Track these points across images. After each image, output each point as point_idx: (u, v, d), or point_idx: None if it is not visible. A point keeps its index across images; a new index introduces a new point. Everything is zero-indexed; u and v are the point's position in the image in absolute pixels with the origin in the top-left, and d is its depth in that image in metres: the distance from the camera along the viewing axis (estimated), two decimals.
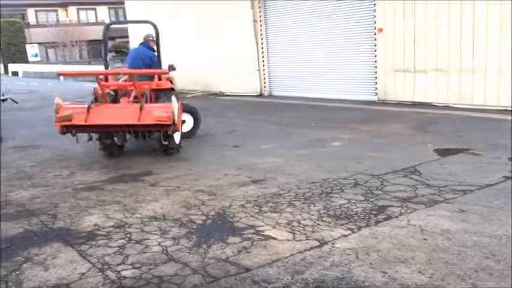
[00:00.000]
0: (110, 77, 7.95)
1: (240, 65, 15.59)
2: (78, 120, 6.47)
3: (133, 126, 6.55)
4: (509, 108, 9.79)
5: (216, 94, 16.88)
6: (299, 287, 3.29)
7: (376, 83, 12.33)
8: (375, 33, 12.02)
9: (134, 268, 3.64)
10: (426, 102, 11.23)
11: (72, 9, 44.38)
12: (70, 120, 6.46)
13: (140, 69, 8.13)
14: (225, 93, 16.60)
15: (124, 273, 3.57)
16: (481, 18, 9.97)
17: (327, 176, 6.04)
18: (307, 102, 13.19)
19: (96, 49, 41.48)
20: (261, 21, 15.00)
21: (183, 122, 8.41)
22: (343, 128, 9.33)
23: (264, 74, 15.42)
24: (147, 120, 6.41)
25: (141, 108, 6.46)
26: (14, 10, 41.52)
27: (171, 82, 8.07)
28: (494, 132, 8.23)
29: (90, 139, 7.08)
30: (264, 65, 15.32)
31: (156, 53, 8.54)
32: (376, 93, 12.33)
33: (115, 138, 7.46)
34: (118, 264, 3.71)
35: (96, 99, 7.00)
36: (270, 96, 15.41)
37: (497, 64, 9.91)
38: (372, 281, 3.33)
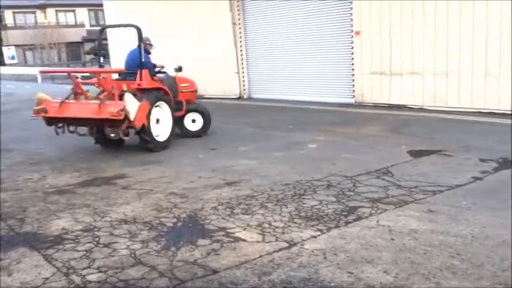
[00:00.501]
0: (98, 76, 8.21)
1: (219, 67, 15.55)
2: (51, 113, 7.52)
3: (92, 120, 7.46)
4: (483, 110, 9.98)
5: None
6: None
7: (353, 85, 12.45)
8: (352, 36, 12.14)
9: (100, 272, 3.59)
10: (402, 104, 11.38)
11: (50, 11, 43.80)
12: (46, 112, 7.56)
13: (102, 69, 9.04)
14: (205, 96, 16.50)
15: (89, 277, 3.52)
16: (454, 22, 10.15)
17: (301, 178, 6.06)
18: (286, 105, 13.24)
19: (75, 51, 41.05)
20: (240, 23, 15.02)
21: (193, 121, 9.24)
22: (320, 131, 9.38)
23: (243, 77, 15.43)
24: (102, 115, 7.18)
25: (100, 105, 7.23)
26: None
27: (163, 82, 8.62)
28: (467, 134, 8.37)
29: (73, 132, 7.96)
30: (243, 68, 15.33)
31: (149, 55, 8.77)
32: (354, 96, 12.45)
33: (109, 133, 8.12)
34: (84, 268, 3.66)
35: (75, 95, 7.86)
36: (250, 99, 15.42)
37: (471, 67, 10.10)
38: (338, 282, 3.35)
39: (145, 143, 7.84)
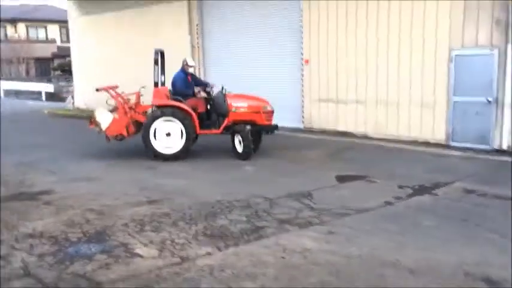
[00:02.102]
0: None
1: None
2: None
3: None
4: (419, 140, 10.42)
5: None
6: None
7: (303, 111, 12.81)
8: (302, 64, 12.57)
9: None
10: (347, 131, 11.76)
11: (21, 26, 43.45)
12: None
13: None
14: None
15: None
16: (393, 55, 10.66)
17: (223, 198, 6.25)
18: None
19: (44, 66, 40.70)
20: (198, 46, 15.34)
21: (240, 142, 9.01)
22: (263, 153, 9.61)
23: None
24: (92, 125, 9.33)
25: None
26: None
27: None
28: (397, 162, 8.74)
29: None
30: None
31: (186, 76, 9.48)
32: (303, 121, 12.80)
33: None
34: None
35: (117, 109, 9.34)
36: None
37: (408, 98, 10.58)
38: None
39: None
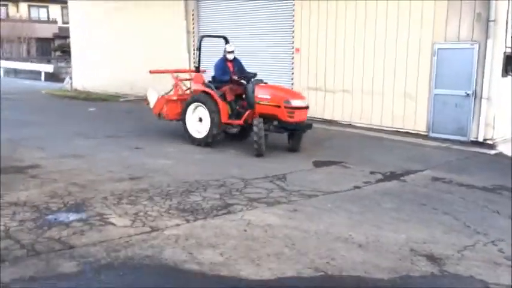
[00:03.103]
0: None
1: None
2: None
3: None
4: (401, 130, 10.74)
5: None
6: (108, 261, 3.80)
7: None
8: (293, 53, 12.84)
9: None
10: (334, 119, 12.08)
11: (23, 5, 43.52)
12: None
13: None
14: None
15: None
16: (380, 45, 10.93)
17: (202, 178, 6.59)
18: None
19: (45, 47, 40.88)
20: (193, 32, 15.60)
21: None
22: (248, 139, 9.90)
23: None
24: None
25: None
26: None
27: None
28: (375, 150, 9.06)
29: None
30: None
31: (225, 62, 9.14)
32: None
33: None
34: None
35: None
36: None
37: (392, 88, 10.88)
38: (173, 259, 3.90)
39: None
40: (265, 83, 8.83)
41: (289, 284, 3.67)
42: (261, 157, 8.09)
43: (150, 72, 10.11)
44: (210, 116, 8.70)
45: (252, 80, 8.78)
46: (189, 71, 11.03)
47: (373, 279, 3.78)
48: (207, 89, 8.90)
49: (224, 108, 8.69)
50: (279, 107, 8.22)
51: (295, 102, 8.32)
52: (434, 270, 3.99)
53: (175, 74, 9.99)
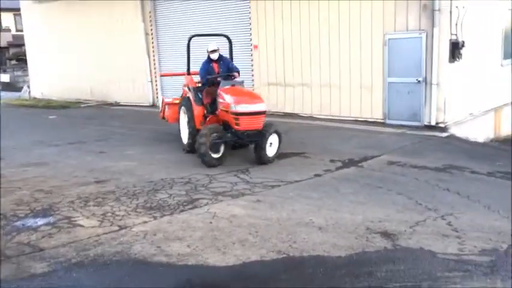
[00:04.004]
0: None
1: (134, 76, 16.09)
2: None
3: None
4: (359, 119, 11.16)
5: (111, 104, 17.15)
6: (79, 259, 3.94)
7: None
8: (252, 50, 13.08)
9: None
10: (294, 113, 12.40)
11: None
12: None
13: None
14: (120, 103, 16.93)
15: None
16: (334, 40, 11.31)
17: (167, 176, 6.75)
18: None
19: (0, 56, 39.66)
20: (152, 34, 15.60)
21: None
22: None
23: (156, 85, 15.97)
24: None
25: None
26: None
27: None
28: (335, 140, 9.42)
29: None
30: (156, 77, 15.88)
31: (209, 63, 8.44)
32: None
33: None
34: None
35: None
36: None
37: (348, 80, 11.28)
38: (142, 253, 4.07)
39: None
40: (240, 84, 8.00)
41: (254, 267, 3.91)
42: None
43: (161, 75, 9.99)
44: (187, 120, 8.30)
45: (222, 81, 7.95)
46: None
47: (332, 257, 4.06)
48: (189, 93, 8.51)
49: (199, 114, 8.09)
50: (226, 112, 7.46)
51: (241, 107, 7.24)
52: (388, 245, 4.31)
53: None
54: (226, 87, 7.77)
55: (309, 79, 12.07)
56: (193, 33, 9.03)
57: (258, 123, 7.39)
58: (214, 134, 7.31)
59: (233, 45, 9.38)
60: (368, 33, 10.76)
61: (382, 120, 10.84)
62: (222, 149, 7.48)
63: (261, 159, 7.44)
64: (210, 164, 7.26)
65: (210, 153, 7.25)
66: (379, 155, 7.89)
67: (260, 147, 7.42)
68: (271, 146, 7.58)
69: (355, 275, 3.76)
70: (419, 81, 10.08)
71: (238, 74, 8.47)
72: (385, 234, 4.57)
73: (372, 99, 11.03)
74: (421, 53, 9.99)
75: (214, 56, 8.35)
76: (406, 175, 6.72)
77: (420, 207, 5.36)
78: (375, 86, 10.91)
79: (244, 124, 7.28)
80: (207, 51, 8.39)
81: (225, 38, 9.03)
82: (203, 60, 8.52)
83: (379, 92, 10.86)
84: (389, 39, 10.42)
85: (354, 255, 4.11)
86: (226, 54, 8.96)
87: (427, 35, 9.90)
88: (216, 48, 8.34)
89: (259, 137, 7.38)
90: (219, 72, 8.33)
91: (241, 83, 8.13)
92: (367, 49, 10.84)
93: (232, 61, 8.85)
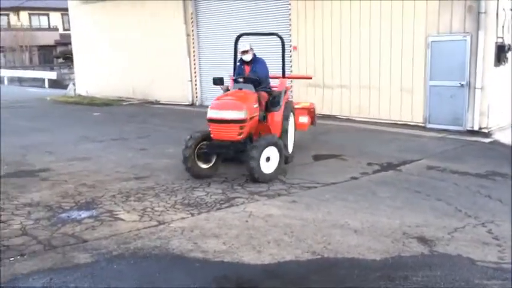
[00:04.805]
0: None
1: (175, 75, 16.44)
2: None
3: None
4: (399, 122, 10.99)
5: (151, 102, 17.58)
6: (120, 252, 4.09)
7: (292, 96, 13.36)
8: (291, 51, 13.10)
9: None
10: (332, 114, 12.34)
11: (23, 14, 43.98)
12: None
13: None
14: (160, 102, 17.33)
15: None
16: (375, 42, 11.18)
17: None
18: None
19: (47, 55, 41.33)
20: (193, 35, 15.88)
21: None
22: None
23: (195, 85, 16.26)
24: None
25: None
26: None
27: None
28: (373, 142, 9.31)
29: None
30: (195, 76, 16.17)
31: (241, 64, 7.84)
32: None
33: None
34: None
35: None
36: (201, 105, 16.19)
37: (389, 82, 11.12)
38: (180, 248, 4.18)
39: None
40: (250, 88, 7.07)
41: (288, 266, 3.95)
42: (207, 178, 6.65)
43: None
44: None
45: (235, 84, 7.38)
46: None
47: (366, 260, 4.05)
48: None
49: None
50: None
51: (210, 113, 6.50)
52: (425, 251, 4.25)
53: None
54: (232, 91, 7.18)
55: (348, 81, 11.98)
56: (242, 32, 8.34)
57: (228, 133, 6.41)
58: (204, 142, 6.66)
59: (273, 46, 9.17)
60: (410, 34, 10.58)
61: (422, 124, 10.63)
62: (213, 158, 6.81)
63: (252, 176, 6.33)
64: (199, 173, 6.63)
65: (197, 162, 6.62)
66: (418, 159, 7.76)
67: (245, 161, 6.33)
68: (269, 161, 6.49)
69: (390, 278, 3.73)
70: (462, 85, 9.83)
71: (259, 79, 7.32)
72: (423, 240, 4.51)
73: (412, 102, 10.84)
74: (465, 56, 9.74)
75: (246, 58, 7.59)
76: (446, 180, 6.58)
77: (460, 214, 5.25)
78: (415, 88, 10.72)
79: (214, 132, 6.53)
80: (239, 52, 7.75)
81: (278, 38, 8.15)
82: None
83: (420, 95, 10.67)
84: (432, 41, 10.21)
85: (390, 259, 4.08)
86: (277, 55, 8.52)
87: (471, 38, 9.64)
88: (247, 48, 7.57)
89: (231, 150, 6.49)
90: (249, 75, 7.51)
91: (252, 87, 7.10)
92: (409, 51, 10.66)
93: (283, 62, 8.22)
